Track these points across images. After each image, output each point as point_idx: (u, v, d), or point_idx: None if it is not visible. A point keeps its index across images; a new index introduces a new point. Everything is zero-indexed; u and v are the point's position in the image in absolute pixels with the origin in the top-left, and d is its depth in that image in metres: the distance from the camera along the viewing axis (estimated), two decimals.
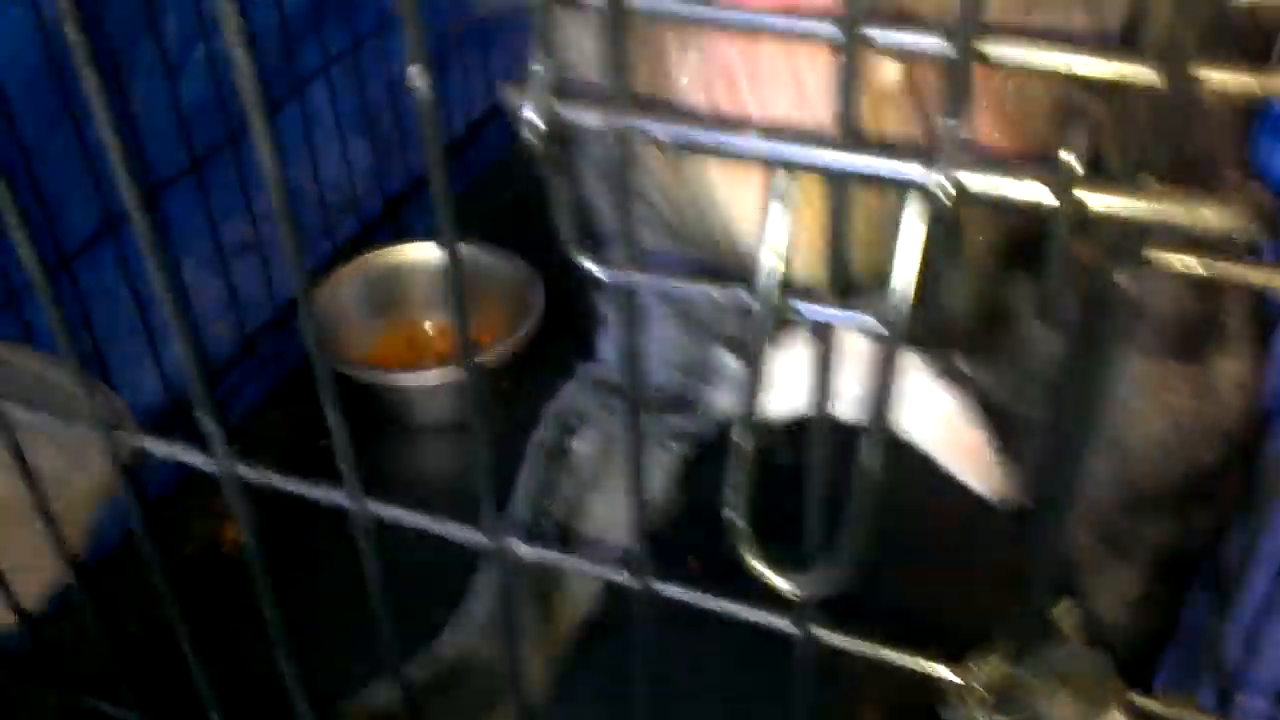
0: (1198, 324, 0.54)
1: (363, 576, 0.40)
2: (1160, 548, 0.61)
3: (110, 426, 0.40)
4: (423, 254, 1.24)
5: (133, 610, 0.91)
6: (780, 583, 0.28)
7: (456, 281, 0.30)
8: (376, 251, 1.24)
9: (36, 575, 0.72)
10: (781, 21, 0.22)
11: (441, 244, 0.29)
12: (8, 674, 0.63)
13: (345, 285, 1.21)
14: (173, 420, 1.02)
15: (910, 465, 0.72)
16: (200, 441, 0.39)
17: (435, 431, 1.12)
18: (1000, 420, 0.68)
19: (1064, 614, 0.27)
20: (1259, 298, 0.54)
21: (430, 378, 1.09)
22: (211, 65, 1.07)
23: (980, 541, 0.76)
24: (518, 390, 1.07)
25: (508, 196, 1.23)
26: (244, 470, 0.38)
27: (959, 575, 0.79)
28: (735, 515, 0.28)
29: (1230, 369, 0.52)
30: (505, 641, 0.40)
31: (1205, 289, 0.52)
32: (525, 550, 0.35)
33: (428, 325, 1.23)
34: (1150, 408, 0.55)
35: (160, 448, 0.40)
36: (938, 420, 0.71)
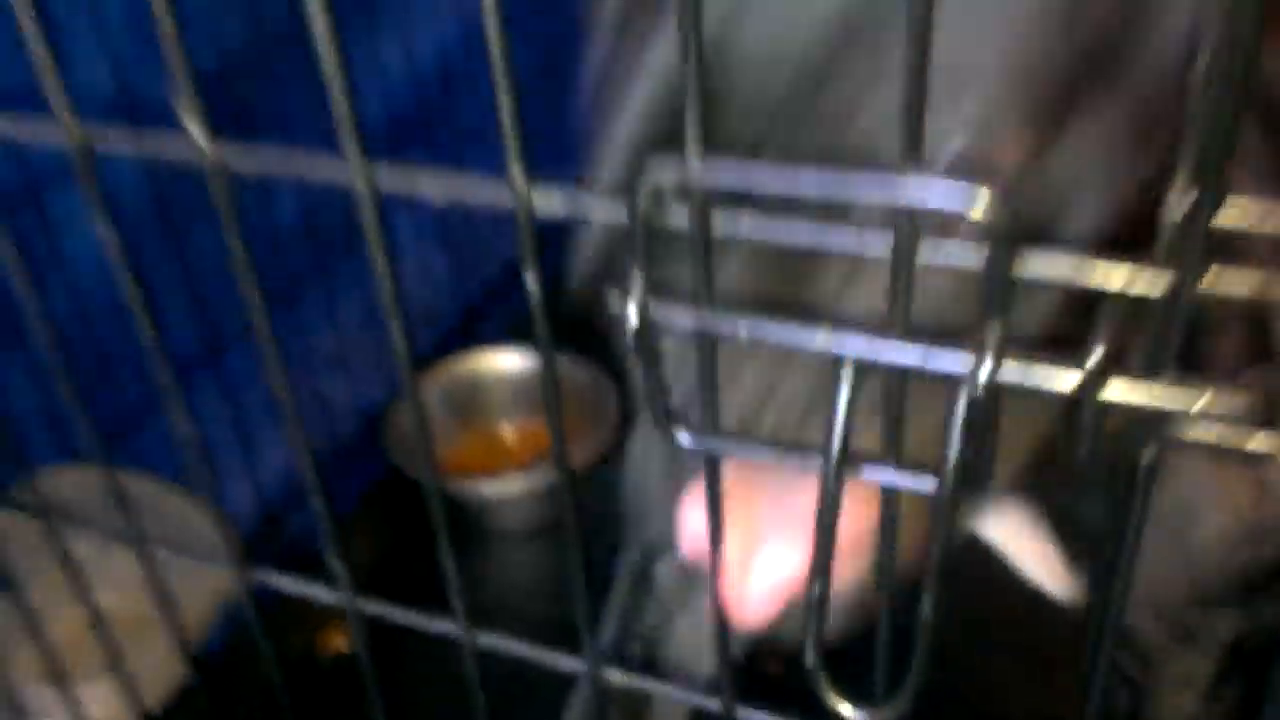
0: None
1: (457, 691, 0.43)
2: (1229, 639, 0.62)
3: (243, 564, 0.45)
4: (500, 361, 1.30)
5: (239, 714, 0.95)
6: (851, 715, 0.31)
7: (553, 393, 0.34)
8: (454, 358, 1.30)
9: (158, 683, 0.77)
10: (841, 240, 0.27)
11: (536, 348, 0.33)
12: None
13: (424, 393, 1.27)
14: (266, 531, 1.08)
15: (983, 562, 0.74)
16: (303, 556, 0.43)
17: (514, 537, 1.15)
18: (1064, 525, 0.69)
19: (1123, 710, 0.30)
20: None
21: (509, 485, 1.13)
22: (301, 192, 1.15)
23: (1047, 637, 0.78)
24: (596, 496, 1.10)
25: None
26: (367, 605, 0.43)
27: (1026, 670, 0.81)
28: (809, 653, 0.31)
29: None
30: None
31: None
32: (618, 677, 0.39)
33: (505, 431, 1.28)
34: (1212, 505, 0.57)
35: (287, 584, 0.44)
36: (1007, 526, 0.73)
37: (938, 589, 0.27)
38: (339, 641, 1.04)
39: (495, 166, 0.30)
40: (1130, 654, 0.66)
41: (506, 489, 1.13)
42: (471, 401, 1.29)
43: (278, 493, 1.14)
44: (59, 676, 0.59)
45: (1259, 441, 0.25)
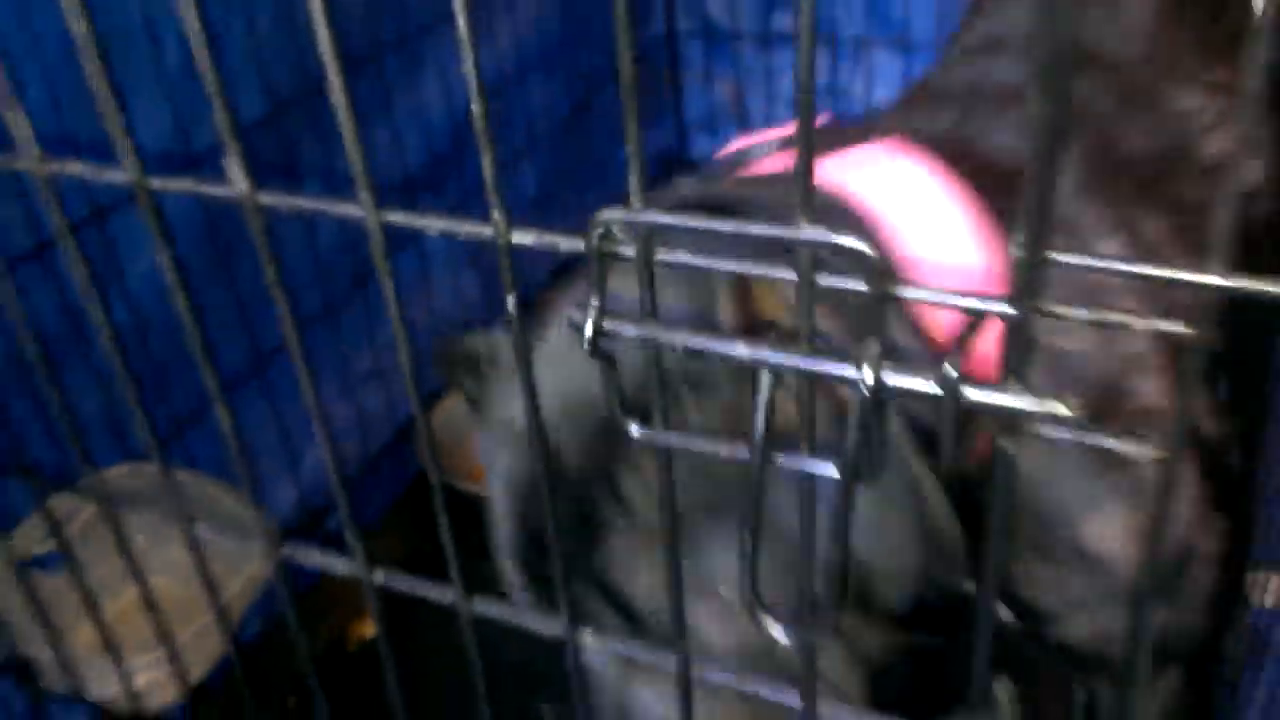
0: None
1: (466, 670, 0.49)
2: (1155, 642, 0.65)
3: (275, 540, 0.51)
4: None
5: (268, 698, 1.02)
6: (776, 629, 0.36)
7: (531, 405, 0.40)
8: None
9: (200, 658, 0.83)
10: (771, 231, 0.32)
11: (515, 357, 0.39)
12: None
13: (459, 407, 1.34)
14: (306, 528, 1.15)
15: None
16: (339, 549, 0.49)
17: None
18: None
19: (1001, 689, 0.35)
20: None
21: None
22: (342, 221, 1.23)
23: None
24: None
25: None
26: (377, 574, 0.49)
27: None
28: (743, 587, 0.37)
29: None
30: None
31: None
32: (591, 640, 0.44)
33: None
34: (1109, 523, 0.60)
35: (312, 557, 0.51)
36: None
37: (844, 547, 0.33)
38: (366, 630, 1.11)
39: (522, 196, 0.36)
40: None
41: None
42: None
43: (317, 495, 1.22)
44: (112, 649, 0.66)
45: (1109, 441, 0.30)
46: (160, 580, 0.95)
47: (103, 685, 0.75)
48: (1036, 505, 0.59)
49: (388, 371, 1.29)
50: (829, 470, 0.34)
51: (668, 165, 1.76)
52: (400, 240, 1.37)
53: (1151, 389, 0.60)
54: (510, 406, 0.59)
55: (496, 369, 0.61)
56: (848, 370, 0.31)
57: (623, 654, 0.44)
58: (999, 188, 0.26)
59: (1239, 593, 0.87)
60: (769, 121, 1.65)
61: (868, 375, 0.30)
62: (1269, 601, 0.94)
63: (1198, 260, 0.28)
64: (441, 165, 1.35)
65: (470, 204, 1.41)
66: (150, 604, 0.61)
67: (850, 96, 1.55)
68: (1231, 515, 0.63)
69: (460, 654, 0.49)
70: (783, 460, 0.34)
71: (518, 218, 0.35)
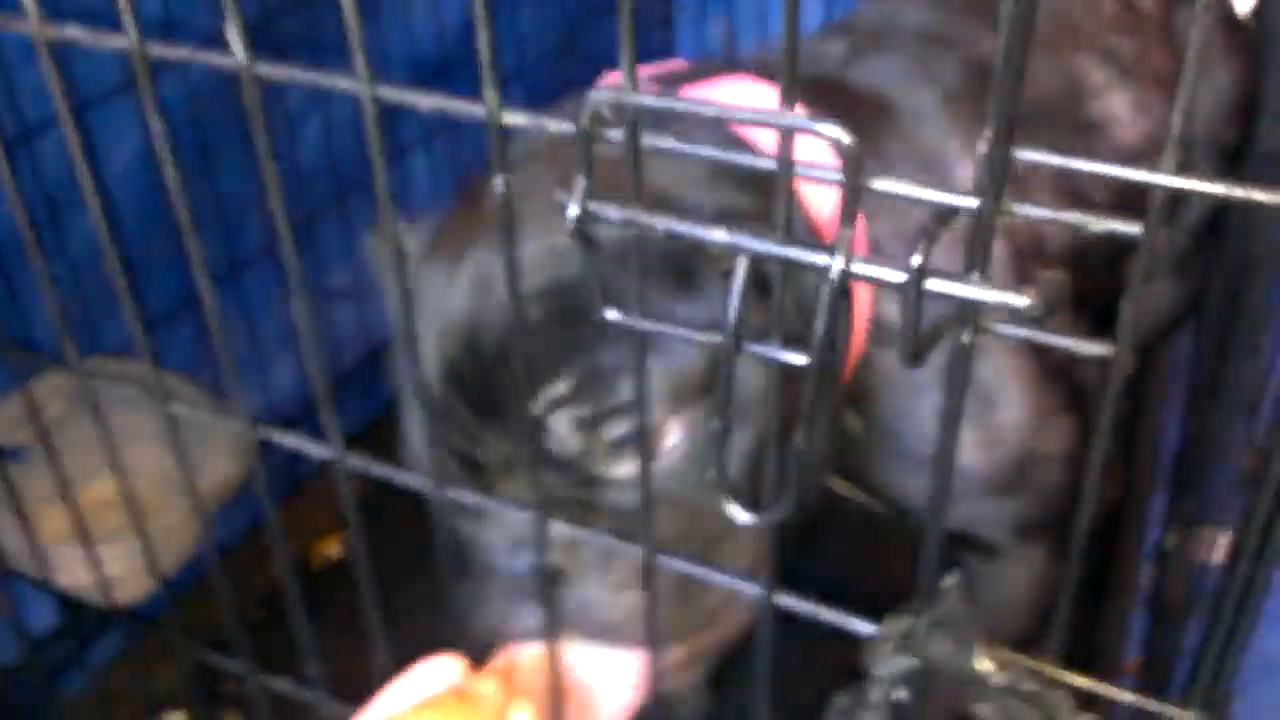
0: None
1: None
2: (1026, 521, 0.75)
3: (252, 422, 0.52)
4: None
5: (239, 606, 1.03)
6: (745, 517, 0.38)
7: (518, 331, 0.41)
8: None
9: (172, 550, 0.85)
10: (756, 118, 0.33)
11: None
12: (145, 632, 0.75)
13: None
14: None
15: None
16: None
17: None
18: None
19: (948, 583, 0.37)
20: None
21: None
22: (327, 131, 1.22)
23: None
24: None
25: None
26: (353, 460, 0.50)
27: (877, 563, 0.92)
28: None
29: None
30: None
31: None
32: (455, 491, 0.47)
33: None
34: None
35: (289, 439, 0.52)
36: None
37: (815, 427, 0.34)
38: (330, 550, 1.12)
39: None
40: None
41: None
42: None
43: (286, 407, 1.22)
44: (84, 536, 0.67)
45: (1045, 331, 0.32)
46: (131, 479, 0.96)
47: (71, 573, 0.77)
48: (898, 422, 0.68)
49: (364, 290, 1.29)
50: (799, 358, 0.35)
51: None
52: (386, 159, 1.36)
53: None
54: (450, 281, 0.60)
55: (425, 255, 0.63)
56: (818, 256, 0.32)
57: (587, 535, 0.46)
58: (848, 118, 0.29)
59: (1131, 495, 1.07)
60: None
61: (838, 262, 0.32)
62: (1215, 558, 0.98)
63: (1061, 202, 0.30)
64: (426, 83, 1.35)
65: (453, 126, 1.41)
66: (126, 491, 0.62)
67: None
68: (1080, 417, 0.72)
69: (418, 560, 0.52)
70: (754, 348, 0.36)
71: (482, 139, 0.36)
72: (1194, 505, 1.04)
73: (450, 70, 1.34)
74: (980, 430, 0.69)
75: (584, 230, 0.36)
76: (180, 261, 0.52)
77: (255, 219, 1.13)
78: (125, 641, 0.96)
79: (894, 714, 0.43)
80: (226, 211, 1.08)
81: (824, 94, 0.70)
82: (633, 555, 0.54)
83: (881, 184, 0.32)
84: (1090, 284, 0.72)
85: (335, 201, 1.21)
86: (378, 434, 1.25)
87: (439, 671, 0.46)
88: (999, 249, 0.61)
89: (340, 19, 0.36)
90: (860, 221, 0.60)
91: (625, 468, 0.58)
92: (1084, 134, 0.81)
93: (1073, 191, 0.73)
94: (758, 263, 0.34)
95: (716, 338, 0.36)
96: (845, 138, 0.31)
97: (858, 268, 0.32)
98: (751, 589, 0.42)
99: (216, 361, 0.53)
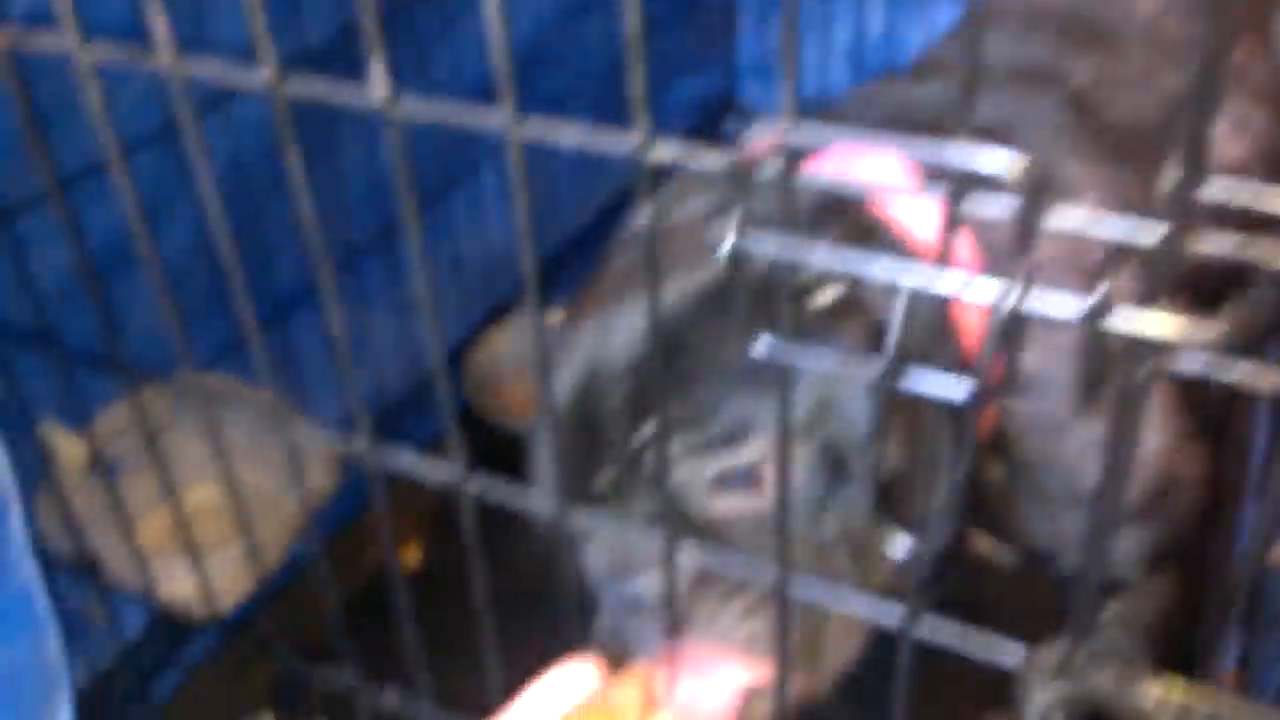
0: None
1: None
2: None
3: (373, 441, 0.52)
4: None
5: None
6: (893, 545, 0.37)
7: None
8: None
9: (260, 565, 0.85)
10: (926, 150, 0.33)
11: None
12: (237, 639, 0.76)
13: (504, 342, 1.35)
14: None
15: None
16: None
17: None
18: None
19: (1110, 613, 0.36)
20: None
21: None
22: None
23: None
24: None
25: None
26: (472, 482, 0.50)
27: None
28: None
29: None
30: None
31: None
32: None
33: None
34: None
35: (409, 462, 0.52)
36: None
37: (968, 470, 0.34)
38: (408, 558, 1.13)
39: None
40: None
41: None
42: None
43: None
44: (190, 545, 0.68)
45: (1238, 371, 0.31)
46: (215, 491, 0.98)
47: (169, 583, 0.78)
48: (1043, 463, 0.65)
49: (442, 296, 1.30)
50: (961, 392, 0.34)
51: (717, 109, 1.75)
52: (455, 176, 1.37)
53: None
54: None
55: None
56: (990, 292, 0.32)
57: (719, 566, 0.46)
58: None
59: (1224, 509, 0.97)
60: (822, 73, 1.64)
61: (1011, 297, 0.31)
62: None
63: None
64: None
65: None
66: (234, 502, 0.62)
67: (909, 45, 1.53)
68: (1214, 440, 0.71)
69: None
70: (914, 382, 0.35)
71: (565, 159, 0.36)
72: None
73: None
74: None
75: (736, 264, 0.35)
76: (266, 274, 0.53)
77: (340, 230, 1.14)
78: (215, 646, 0.97)
79: None
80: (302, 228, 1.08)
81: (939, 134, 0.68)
82: (754, 584, 0.54)
83: (1061, 217, 0.31)
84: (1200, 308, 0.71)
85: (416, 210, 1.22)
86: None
87: (578, 676, 0.46)
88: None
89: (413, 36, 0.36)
90: (968, 243, 0.59)
91: (726, 503, 0.58)
92: None
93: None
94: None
95: (874, 370, 0.36)
96: (1021, 163, 0.30)
97: (1032, 303, 0.31)
98: (891, 618, 0.42)
99: (292, 376, 0.53)
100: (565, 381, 0.60)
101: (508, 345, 1.35)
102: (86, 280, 0.59)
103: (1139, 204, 0.70)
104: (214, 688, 0.96)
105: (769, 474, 0.56)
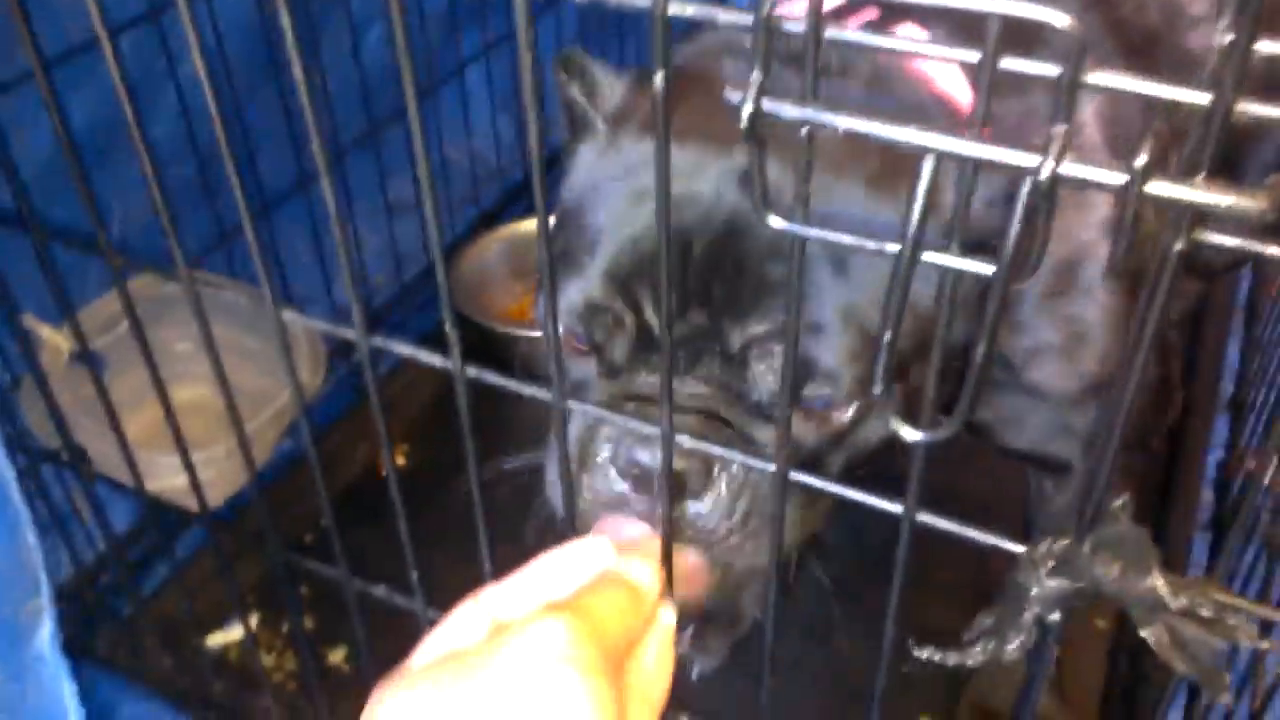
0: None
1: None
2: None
3: (366, 326, 0.51)
4: None
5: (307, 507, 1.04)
6: (913, 434, 0.37)
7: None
8: (518, 222, 1.36)
9: (261, 450, 0.84)
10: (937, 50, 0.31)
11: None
12: (224, 539, 0.76)
13: (489, 250, 1.33)
14: (339, 350, 1.15)
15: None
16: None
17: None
18: None
19: (1118, 505, 0.35)
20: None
21: None
22: (390, 40, 1.19)
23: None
24: None
25: None
26: (472, 370, 0.49)
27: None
28: (879, 381, 0.37)
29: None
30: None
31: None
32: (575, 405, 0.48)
33: None
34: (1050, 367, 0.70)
35: (404, 348, 0.51)
36: None
37: (991, 341, 0.33)
38: (397, 458, 1.13)
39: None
40: None
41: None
42: (529, 259, 1.35)
43: (350, 321, 1.21)
44: (177, 437, 0.66)
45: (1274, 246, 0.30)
46: (201, 389, 0.96)
47: (157, 478, 0.77)
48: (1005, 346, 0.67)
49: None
50: (985, 267, 0.33)
51: None
52: (444, 74, 1.33)
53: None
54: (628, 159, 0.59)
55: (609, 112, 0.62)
56: (1024, 157, 0.30)
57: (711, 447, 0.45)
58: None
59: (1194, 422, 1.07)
60: None
61: (1049, 163, 0.30)
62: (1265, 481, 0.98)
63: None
64: None
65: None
66: (224, 387, 0.61)
67: None
68: (1160, 348, 0.74)
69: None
70: (933, 257, 0.34)
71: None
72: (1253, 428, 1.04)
73: None
74: (1069, 363, 0.70)
75: (755, 129, 0.34)
76: (250, 172, 0.51)
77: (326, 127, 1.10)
78: (203, 543, 0.97)
79: (1042, 634, 0.42)
80: (297, 119, 1.05)
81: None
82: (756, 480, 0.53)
83: (1102, 78, 0.30)
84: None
85: (399, 112, 1.19)
86: (436, 348, 1.26)
87: (592, 552, 0.45)
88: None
89: None
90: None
91: (803, 429, 0.57)
92: (1183, 66, 0.77)
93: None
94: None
95: (893, 246, 0.34)
96: (1065, 21, 0.29)
97: (1070, 170, 0.30)
98: (894, 508, 0.41)
99: (275, 277, 0.51)
100: (692, 213, 0.54)
101: (495, 250, 1.33)
102: (70, 160, 0.56)
103: (1129, 108, 0.70)
104: (201, 585, 0.96)
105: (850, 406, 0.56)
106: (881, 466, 0.59)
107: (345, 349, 1.14)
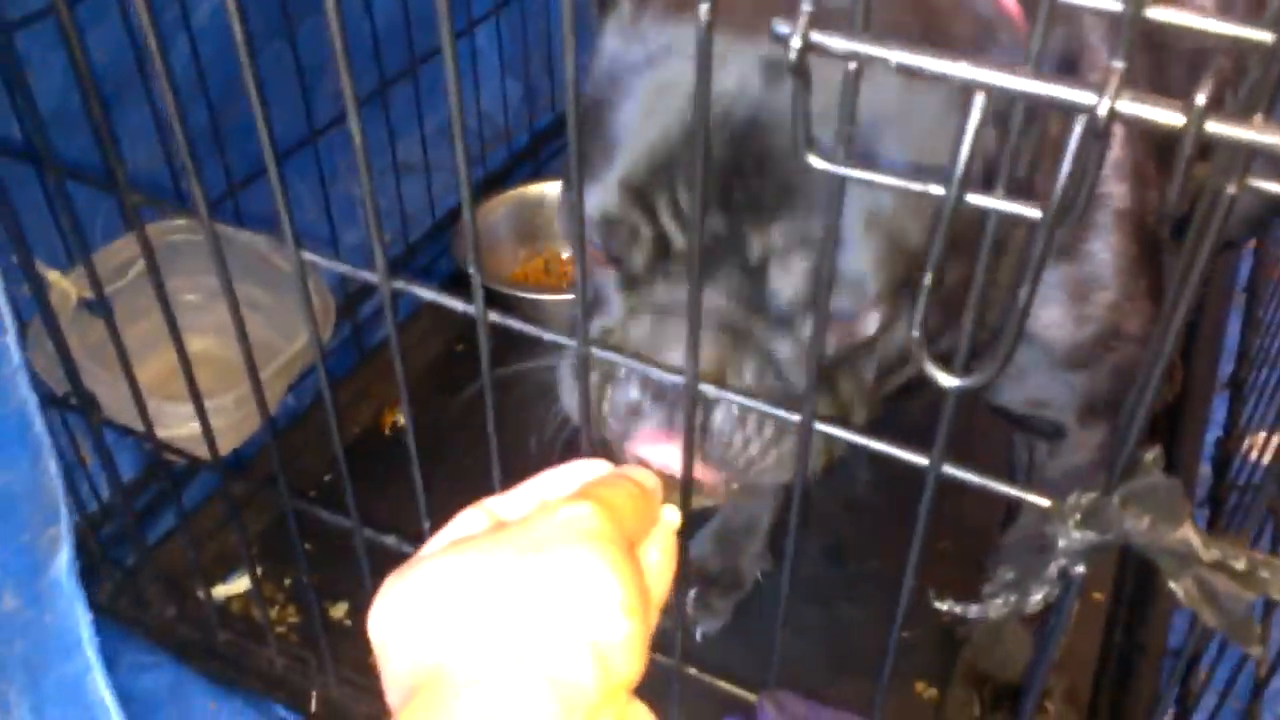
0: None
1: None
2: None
3: (387, 271, 0.51)
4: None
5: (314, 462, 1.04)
6: (949, 380, 0.36)
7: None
8: (523, 186, 1.35)
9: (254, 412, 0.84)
10: None
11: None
12: (231, 489, 0.75)
13: (495, 213, 1.32)
14: (346, 307, 1.14)
15: None
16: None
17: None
18: None
19: (1151, 456, 0.35)
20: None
21: (559, 297, 1.19)
22: None
23: None
24: None
25: None
26: (494, 316, 0.49)
27: None
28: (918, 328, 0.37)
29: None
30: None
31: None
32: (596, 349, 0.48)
33: (564, 253, 1.34)
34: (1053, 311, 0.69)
35: (427, 293, 0.51)
36: None
37: (1034, 283, 0.32)
38: (396, 417, 1.12)
39: None
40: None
41: (561, 299, 1.18)
42: (535, 224, 1.34)
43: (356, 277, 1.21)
44: (187, 384, 0.66)
45: None
46: (208, 340, 0.95)
47: (165, 426, 0.76)
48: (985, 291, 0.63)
49: (432, 164, 1.26)
50: (1033, 212, 0.33)
51: None
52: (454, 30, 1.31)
53: (1123, 191, 0.66)
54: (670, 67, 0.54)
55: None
56: (1081, 95, 0.30)
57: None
58: None
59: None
60: None
61: (1105, 101, 0.29)
62: (1265, 459, 0.99)
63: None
64: None
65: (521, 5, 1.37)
66: (242, 335, 0.60)
67: None
68: (1160, 305, 0.68)
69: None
70: (978, 199, 0.34)
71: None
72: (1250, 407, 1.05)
73: None
74: (1075, 308, 0.68)
75: (803, 63, 0.33)
76: (251, 132, 0.50)
77: (331, 85, 1.09)
78: (209, 494, 0.97)
79: (1065, 587, 0.42)
80: (308, 72, 1.04)
81: None
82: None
83: (1161, 13, 0.29)
84: None
85: (408, 69, 1.18)
86: (441, 309, 1.25)
87: (593, 467, 0.45)
88: None
89: None
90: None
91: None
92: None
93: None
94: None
95: (938, 188, 0.34)
96: None
97: (1128, 107, 0.29)
98: (920, 459, 0.41)
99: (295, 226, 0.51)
100: (717, 108, 0.50)
101: (502, 213, 1.32)
102: (87, 89, 0.55)
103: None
104: (206, 537, 0.95)
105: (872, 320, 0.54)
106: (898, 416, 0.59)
107: (347, 306, 1.13)
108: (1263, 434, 1.01)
